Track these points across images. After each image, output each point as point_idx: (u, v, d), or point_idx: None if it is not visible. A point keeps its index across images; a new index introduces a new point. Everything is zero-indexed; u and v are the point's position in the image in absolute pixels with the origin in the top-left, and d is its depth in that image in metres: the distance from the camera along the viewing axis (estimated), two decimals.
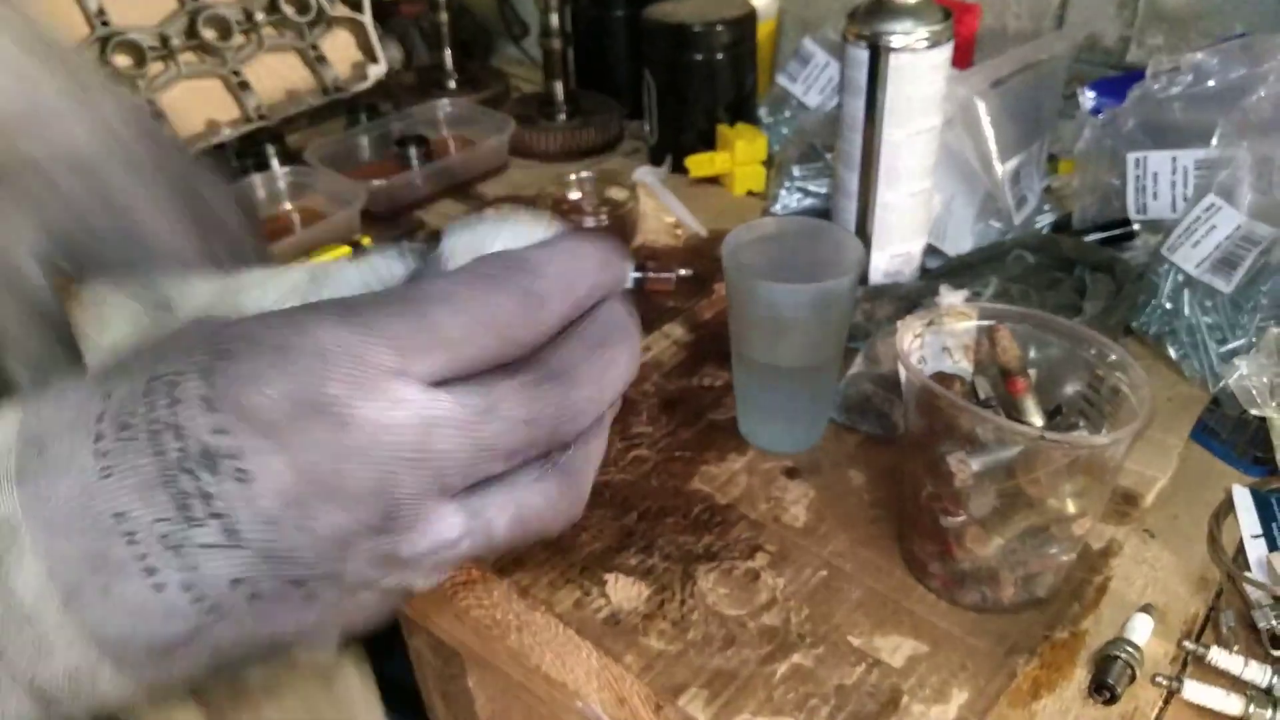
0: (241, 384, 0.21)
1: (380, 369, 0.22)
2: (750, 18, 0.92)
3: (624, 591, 0.52)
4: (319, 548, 0.22)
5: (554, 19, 0.98)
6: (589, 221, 0.83)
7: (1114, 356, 0.49)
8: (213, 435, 0.22)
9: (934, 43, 0.64)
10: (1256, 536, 0.54)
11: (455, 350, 0.23)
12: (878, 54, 0.64)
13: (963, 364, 0.53)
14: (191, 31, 0.96)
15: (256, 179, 0.89)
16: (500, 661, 0.60)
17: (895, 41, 0.64)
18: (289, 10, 1.01)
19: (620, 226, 0.84)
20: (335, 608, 0.24)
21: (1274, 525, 0.54)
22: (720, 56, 0.91)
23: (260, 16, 1.00)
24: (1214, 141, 0.68)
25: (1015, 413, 0.50)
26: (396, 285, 0.29)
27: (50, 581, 0.22)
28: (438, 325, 0.23)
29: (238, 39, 0.99)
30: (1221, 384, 0.61)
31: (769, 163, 0.91)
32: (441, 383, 0.23)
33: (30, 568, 0.22)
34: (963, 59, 0.87)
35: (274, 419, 0.21)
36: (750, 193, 0.92)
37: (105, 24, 0.93)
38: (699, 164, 0.92)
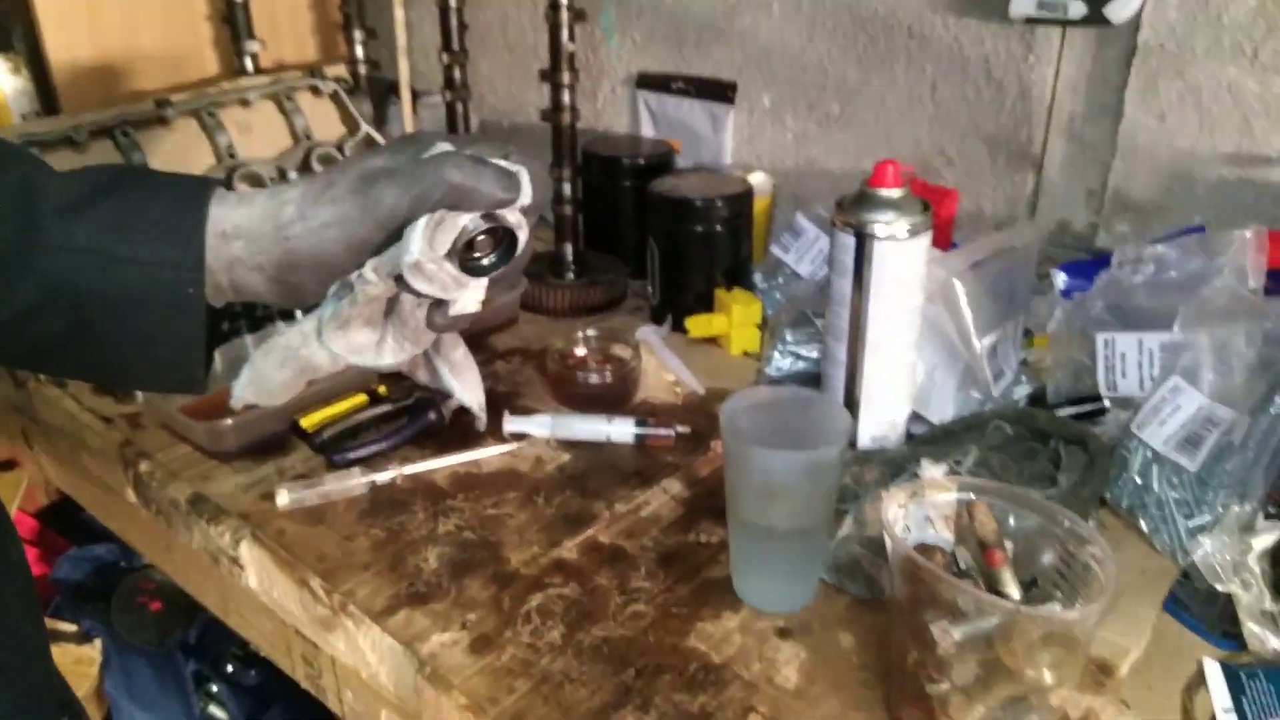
0: None
1: None
2: (747, 194, 1.00)
3: None
4: None
5: (567, 188, 1.05)
6: (594, 378, 0.88)
7: (1083, 532, 0.53)
8: None
9: (914, 232, 0.71)
10: (1227, 710, 0.56)
11: None
12: (863, 241, 0.71)
13: (945, 534, 0.57)
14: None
15: (282, 325, 0.94)
16: None
17: (879, 230, 0.70)
18: (319, 169, 1.09)
19: (623, 383, 0.89)
20: None
21: (1244, 699, 0.56)
22: (719, 228, 0.98)
23: (293, 173, 1.08)
24: (1176, 326, 0.73)
25: (994, 584, 0.53)
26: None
27: None
28: None
29: None
30: (1190, 559, 0.64)
31: (763, 326, 0.97)
32: None
33: None
34: (943, 239, 0.94)
35: None
36: (746, 353, 0.97)
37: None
38: (698, 325, 0.97)
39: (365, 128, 1.12)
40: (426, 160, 0.49)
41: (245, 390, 0.56)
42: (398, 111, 1.29)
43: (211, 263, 0.48)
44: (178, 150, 1.03)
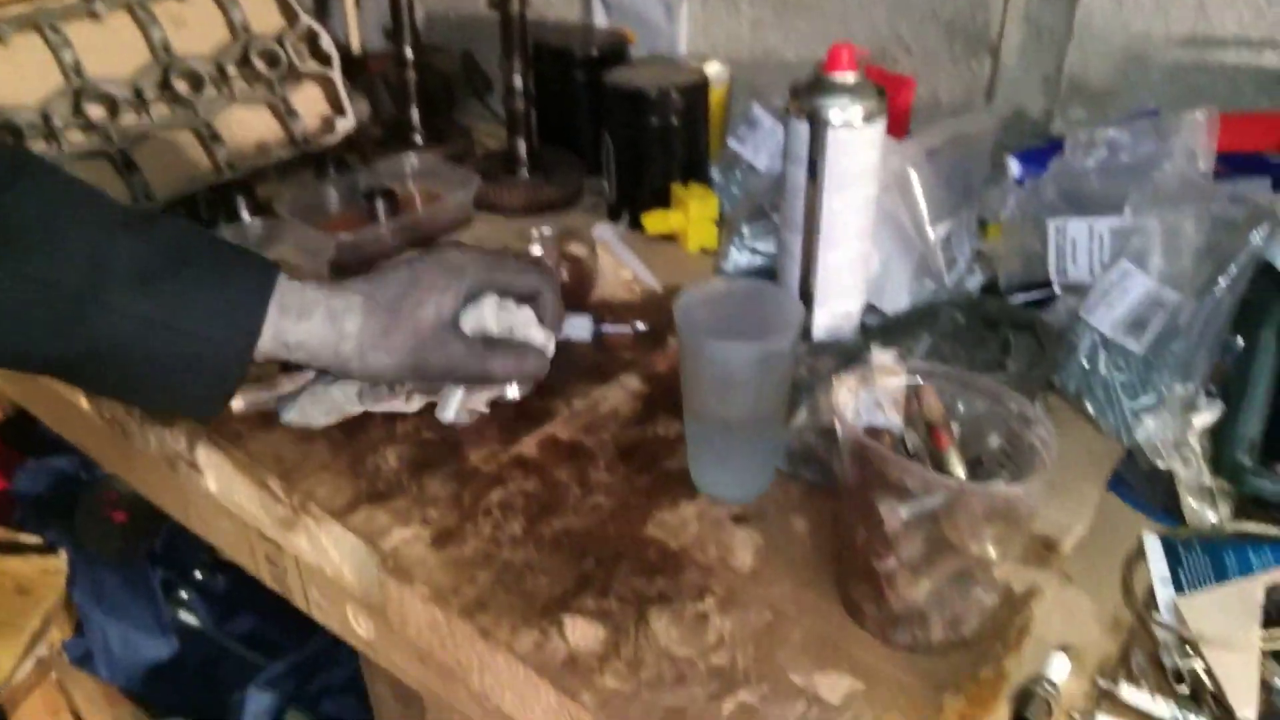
0: None
1: None
2: (703, 85, 0.98)
3: (581, 633, 0.55)
4: None
5: (518, 80, 1.02)
6: None
7: (1029, 414, 0.54)
8: None
9: (869, 118, 0.70)
10: (1165, 580, 0.58)
11: None
12: (817, 128, 0.70)
13: (894, 418, 0.57)
14: (164, 84, 0.99)
15: (227, 230, 0.92)
16: (461, 703, 0.63)
17: (834, 117, 0.69)
18: (260, 64, 1.05)
19: (579, 281, 0.88)
20: None
21: (1181, 571, 0.59)
22: (675, 121, 0.96)
23: (232, 70, 1.04)
24: (1126, 211, 0.74)
25: (940, 464, 0.55)
26: None
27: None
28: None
29: (210, 92, 1.02)
30: (1134, 439, 0.66)
31: (720, 221, 0.96)
32: None
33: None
34: (899, 128, 0.93)
35: None
36: (703, 250, 0.97)
37: (80, 75, 0.95)
38: (655, 221, 0.96)
39: (305, 19, 1.07)
40: (476, 345, 0.62)
41: (291, 420, 0.69)
42: (339, 2, 1.24)
43: (270, 354, 0.58)
44: (109, 47, 0.98)
